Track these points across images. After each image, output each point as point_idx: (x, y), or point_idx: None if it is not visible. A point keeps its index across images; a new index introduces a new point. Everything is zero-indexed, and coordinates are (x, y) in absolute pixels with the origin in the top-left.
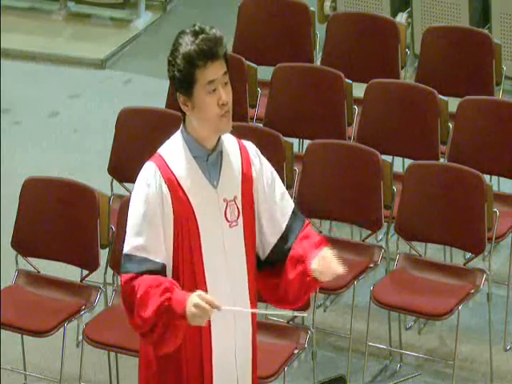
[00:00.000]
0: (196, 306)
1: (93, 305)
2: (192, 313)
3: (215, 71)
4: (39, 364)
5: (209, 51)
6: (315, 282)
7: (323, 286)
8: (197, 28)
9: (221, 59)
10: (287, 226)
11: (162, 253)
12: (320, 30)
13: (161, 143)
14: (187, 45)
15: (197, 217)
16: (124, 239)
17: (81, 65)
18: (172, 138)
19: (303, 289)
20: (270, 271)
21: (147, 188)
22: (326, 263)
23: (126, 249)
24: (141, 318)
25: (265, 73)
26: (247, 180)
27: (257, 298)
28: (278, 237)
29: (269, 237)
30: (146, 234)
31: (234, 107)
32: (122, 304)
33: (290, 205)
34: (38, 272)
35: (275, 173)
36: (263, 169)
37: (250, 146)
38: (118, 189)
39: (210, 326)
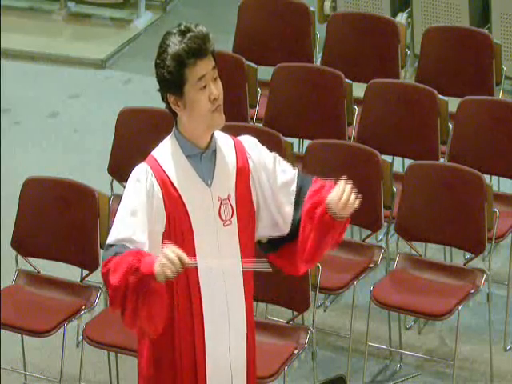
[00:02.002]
0: (165, 255)
1: (93, 305)
2: (160, 263)
3: (204, 67)
4: (39, 364)
5: (198, 49)
6: (333, 220)
7: (323, 286)
8: (182, 27)
9: (209, 55)
10: (297, 191)
11: (144, 248)
12: (320, 30)
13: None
14: (175, 45)
15: (190, 216)
16: None
17: (81, 65)
18: (165, 139)
19: (323, 234)
20: (287, 245)
21: (136, 184)
22: (341, 196)
23: (109, 239)
24: (112, 286)
25: (265, 73)
26: (243, 176)
27: (253, 295)
28: (292, 207)
29: (284, 216)
30: (130, 227)
31: (234, 107)
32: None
33: (292, 175)
34: (38, 272)
35: (278, 157)
36: (262, 157)
37: (247, 139)
38: (118, 189)
39: (203, 319)
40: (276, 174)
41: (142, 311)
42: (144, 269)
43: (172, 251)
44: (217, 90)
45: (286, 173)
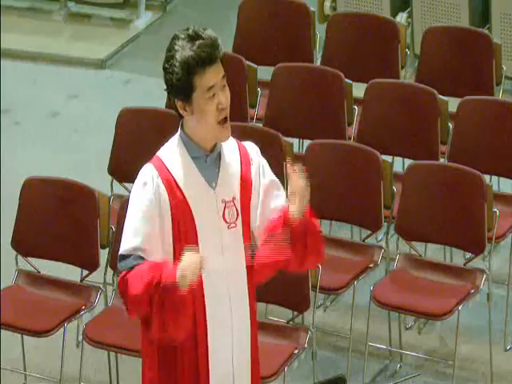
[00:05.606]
0: (185, 257)
1: (93, 305)
2: (181, 268)
3: (214, 76)
4: (39, 364)
5: (207, 57)
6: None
7: (323, 286)
8: (191, 32)
9: (218, 62)
10: None
11: (157, 254)
12: (320, 30)
13: (161, 143)
14: (184, 51)
15: (194, 217)
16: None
17: (81, 65)
18: (170, 140)
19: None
20: None
21: (145, 188)
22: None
23: (122, 249)
24: (133, 297)
25: (265, 73)
26: (246, 181)
27: (256, 298)
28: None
29: (259, 235)
30: (142, 234)
31: (233, 107)
32: (122, 304)
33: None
34: (38, 272)
35: (275, 179)
36: (262, 167)
37: (251, 146)
38: (118, 189)
39: (205, 321)
40: (271, 193)
41: (169, 323)
42: (165, 279)
43: (192, 253)
44: (225, 99)
45: (278, 199)
